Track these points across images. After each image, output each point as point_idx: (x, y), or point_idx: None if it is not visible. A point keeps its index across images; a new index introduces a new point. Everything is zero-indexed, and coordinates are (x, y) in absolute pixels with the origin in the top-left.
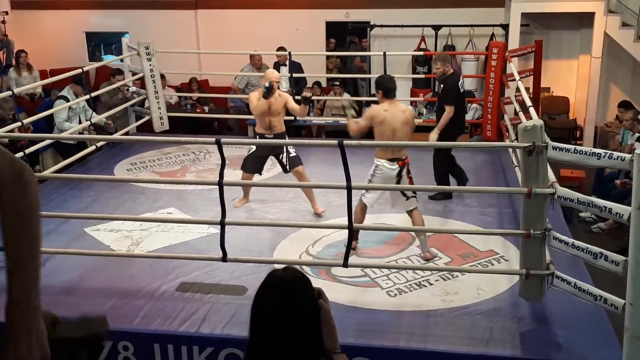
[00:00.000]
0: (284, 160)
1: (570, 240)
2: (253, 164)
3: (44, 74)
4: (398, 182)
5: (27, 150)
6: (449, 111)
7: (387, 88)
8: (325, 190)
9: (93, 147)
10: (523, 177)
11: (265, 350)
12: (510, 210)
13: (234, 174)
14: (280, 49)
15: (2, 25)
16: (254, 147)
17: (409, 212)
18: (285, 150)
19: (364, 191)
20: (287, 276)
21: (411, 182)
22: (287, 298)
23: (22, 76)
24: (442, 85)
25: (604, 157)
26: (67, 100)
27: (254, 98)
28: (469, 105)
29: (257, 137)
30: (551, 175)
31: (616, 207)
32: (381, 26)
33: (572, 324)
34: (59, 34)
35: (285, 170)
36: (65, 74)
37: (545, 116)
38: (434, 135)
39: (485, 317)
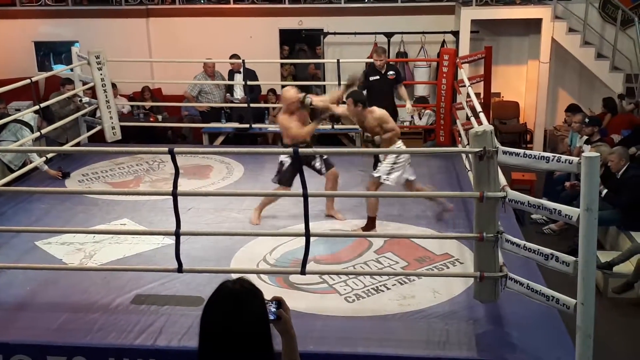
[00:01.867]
0: (318, 165)
1: (522, 242)
2: (290, 177)
3: None
4: None
5: None
6: (403, 86)
7: (363, 100)
8: (281, 198)
9: (43, 159)
10: (475, 182)
11: None
12: (463, 213)
13: (188, 184)
14: (234, 56)
15: None
16: (288, 161)
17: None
18: (319, 155)
19: (385, 175)
20: (236, 288)
21: None
22: (235, 310)
23: None
24: (391, 72)
25: (552, 160)
26: (30, 128)
27: (288, 122)
28: (422, 110)
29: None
30: (502, 179)
31: (565, 209)
32: (334, 33)
33: (526, 325)
34: (6, 43)
35: (320, 173)
36: (13, 85)
37: (496, 121)
38: (409, 105)
39: (442, 319)
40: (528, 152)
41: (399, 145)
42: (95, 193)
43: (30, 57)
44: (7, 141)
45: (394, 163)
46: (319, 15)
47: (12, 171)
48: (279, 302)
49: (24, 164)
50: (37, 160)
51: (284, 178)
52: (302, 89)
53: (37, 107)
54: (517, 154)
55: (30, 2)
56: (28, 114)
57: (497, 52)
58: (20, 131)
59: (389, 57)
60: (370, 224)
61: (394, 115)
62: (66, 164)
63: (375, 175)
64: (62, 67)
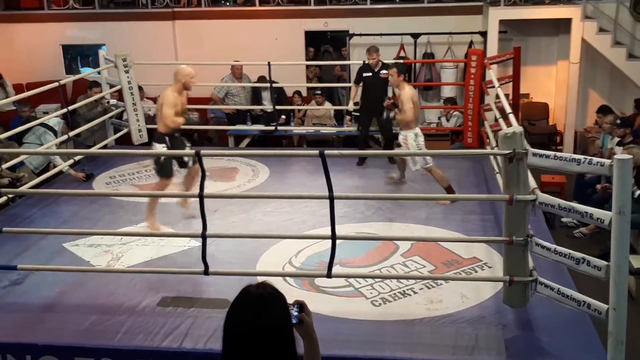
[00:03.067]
0: (186, 158)
1: (553, 246)
2: (170, 168)
3: (20, 88)
4: None
5: (4, 166)
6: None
7: (405, 72)
8: (308, 199)
9: (71, 162)
10: (504, 184)
11: None
12: (492, 217)
13: (214, 186)
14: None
15: None
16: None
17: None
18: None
19: (422, 164)
20: (260, 292)
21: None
22: (259, 314)
23: None
24: (384, 72)
25: (583, 162)
26: (54, 133)
27: (172, 104)
28: (450, 112)
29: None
30: (532, 182)
31: (597, 212)
32: (360, 35)
33: (556, 330)
34: (35, 47)
35: (186, 167)
36: (41, 88)
37: (525, 122)
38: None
39: (470, 324)
40: (559, 154)
41: (417, 131)
42: (122, 195)
43: (58, 60)
44: (31, 144)
45: (417, 143)
46: (344, 16)
47: (36, 175)
48: (301, 306)
49: (46, 169)
50: (62, 164)
51: (165, 170)
52: (326, 91)
53: (64, 110)
54: (548, 156)
55: (58, 6)
56: (53, 119)
57: (526, 52)
58: (45, 135)
59: (415, 58)
60: (450, 190)
61: (382, 111)
62: (93, 166)
63: (420, 166)
64: (89, 70)
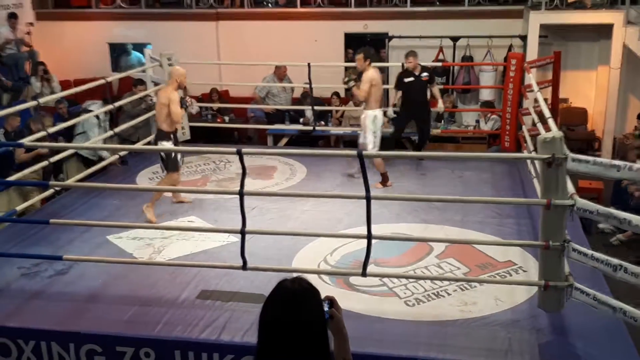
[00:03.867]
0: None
1: (590, 251)
2: (176, 161)
3: (67, 84)
4: None
5: (52, 159)
6: (436, 86)
7: (371, 55)
8: (344, 199)
9: (116, 157)
10: (542, 189)
11: (272, 359)
12: (528, 221)
13: (252, 183)
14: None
15: (27, 36)
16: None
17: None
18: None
19: (371, 145)
20: (295, 287)
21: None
22: (293, 308)
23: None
24: (425, 74)
25: (624, 169)
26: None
27: (176, 102)
28: (487, 115)
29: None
30: (570, 187)
31: (636, 219)
32: (399, 37)
33: (591, 336)
34: (82, 44)
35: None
36: (88, 84)
37: (564, 127)
38: (441, 104)
39: (504, 328)
40: (598, 159)
41: (377, 113)
42: (164, 190)
43: (105, 58)
44: (79, 134)
45: (375, 125)
46: (384, 19)
47: (90, 162)
48: (331, 302)
49: (100, 158)
50: (110, 157)
51: (174, 164)
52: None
53: (110, 107)
54: (587, 162)
55: (106, 5)
56: (101, 112)
57: (566, 57)
58: (90, 126)
59: (453, 60)
60: (385, 177)
61: (428, 114)
62: (137, 162)
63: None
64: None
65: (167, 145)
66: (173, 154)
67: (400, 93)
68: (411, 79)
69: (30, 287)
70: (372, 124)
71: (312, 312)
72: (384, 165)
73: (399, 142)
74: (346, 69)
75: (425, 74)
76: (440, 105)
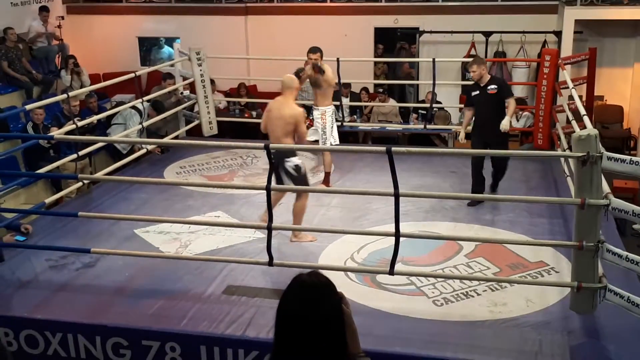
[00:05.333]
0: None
1: (624, 253)
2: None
3: (97, 78)
4: None
5: (81, 152)
6: (513, 102)
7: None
8: (370, 196)
9: (144, 150)
10: (576, 188)
11: (289, 353)
12: (561, 220)
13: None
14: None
15: (57, 29)
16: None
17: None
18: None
19: (332, 140)
20: (312, 281)
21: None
22: (311, 302)
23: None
24: (492, 86)
25: None
26: (141, 114)
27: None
28: (520, 112)
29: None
30: (605, 186)
31: None
32: (430, 32)
33: (624, 339)
34: (112, 38)
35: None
36: (118, 78)
37: (598, 125)
38: (506, 121)
39: (535, 329)
40: (635, 158)
41: (333, 108)
42: (192, 185)
43: (134, 52)
44: (117, 124)
45: (334, 118)
46: (415, 13)
47: (121, 155)
48: (340, 297)
49: (132, 150)
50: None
51: (303, 181)
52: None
53: (139, 101)
54: (623, 161)
55: None
56: (140, 104)
57: (601, 53)
58: (131, 116)
59: (486, 56)
60: (327, 176)
61: (501, 137)
62: (166, 156)
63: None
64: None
65: (297, 161)
66: (303, 170)
67: (471, 111)
68: (477, 92)
69: (57, 280)
70: (331, 117)
71: (330, 306)
72: (331, 164)
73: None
74: (375, 63)
75: (492, 86)
76: (504, 122)
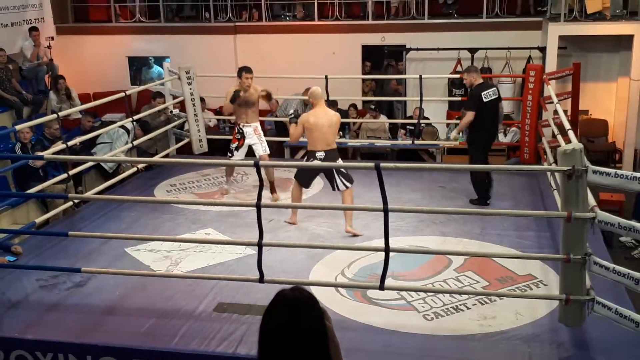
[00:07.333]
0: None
1: (612, 265)
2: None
3: (87, 98)
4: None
5: (71, 172)
6: (468, 116)
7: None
8: (361, 212)
9: (134, 169)
10: (563, 201)
11: None
12: (548, 234)
13: (269, 196)
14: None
15: (48, 50)
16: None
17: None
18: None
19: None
20: (295, 296)
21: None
22: (294, 317)
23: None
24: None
25: None
26: (127, 132)
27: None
28: (507, 128)
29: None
30: (591, 199)
31: None
32: (417, 49)
33: (613, 351)
34: (102, 58)
35: (333, 188)
36: (108, 97)
37: (584, 139)
38: (454, 133)
39: (524, 342)
40: (619, 172)
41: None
42: (182, 203)
43: (124, 71)
44: (104, 143)
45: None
46: (401, 31)
47: (107, 173)
48: (323, 311)
49: (118, 168)
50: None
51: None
52: (385, 105)
53: (129, 120)
54: (608, 174)
55: (125, 19)
56: (128, 123)
57: (585, 68)
58: (119, 135)
59: None
60: (272, 185)
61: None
62: (155, 174)
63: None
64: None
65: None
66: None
67: (471, 114)
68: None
69: (48, 299)
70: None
71: (313, 320)
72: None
73: (416, 154)
74: (363, 80)
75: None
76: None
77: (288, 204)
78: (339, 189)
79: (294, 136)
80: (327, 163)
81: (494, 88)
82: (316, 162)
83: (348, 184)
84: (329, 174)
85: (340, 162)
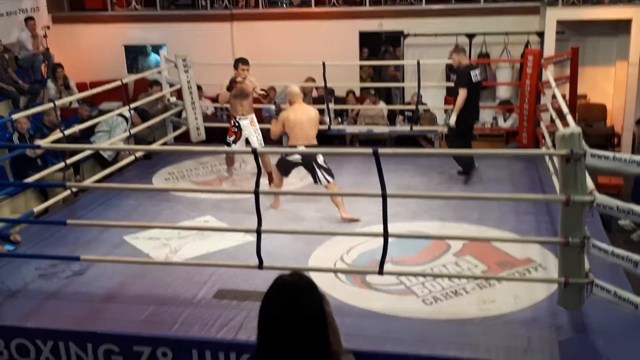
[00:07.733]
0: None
1: (610, 248)
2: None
3: (84, 86)
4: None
5: (69, 161)
6: (462, 94)
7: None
8: (359, 198)
9: (132, 158)
10: (561, 185)
11: (273, 355)
12: (547, 218)
13: (267, 183)
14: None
15: (44, 39)
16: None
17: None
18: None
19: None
20: (294, 281)
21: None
22: (293, 303)
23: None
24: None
25: None
26: (127, 120)
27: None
28: (507, 113)
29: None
30: (590, 183)
31: None
32: (415, 35)
33: (612, 333)
34: (98, 47)
35: (315, 182)
36: (105, 86)
37: (582, 123)
38: (453, 117)
39: (523, 326)
40: (618, 155)
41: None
42: (181, 190)
43: (121, 60)
44: (102, 131)
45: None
46: (399, 17)
47: (106, 161)
48: (322, 296)
49: (117, 156)
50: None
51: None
52: (383, 92)
53: (126, 108)
54: (607, 157)
55: (121, 8)
56: (126, 111)
57: (584, 53)
58: (117, 124)
59: (470, 58)
60: (270, 176)
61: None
62: (154, 162)
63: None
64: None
65: (322, 156)
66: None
67: (465, 91)
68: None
69: (48, 288)
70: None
71: (312, 305)
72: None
73: (415, 140)
74: (361, 67)
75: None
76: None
77: (286, 191)
78: (320, 183)
79: (274, 133)
80: (312, 150)
81: (479, 68)
82: (296, 157)
83: (330, 179)
84: (310, 168)
85: (320, 157)
